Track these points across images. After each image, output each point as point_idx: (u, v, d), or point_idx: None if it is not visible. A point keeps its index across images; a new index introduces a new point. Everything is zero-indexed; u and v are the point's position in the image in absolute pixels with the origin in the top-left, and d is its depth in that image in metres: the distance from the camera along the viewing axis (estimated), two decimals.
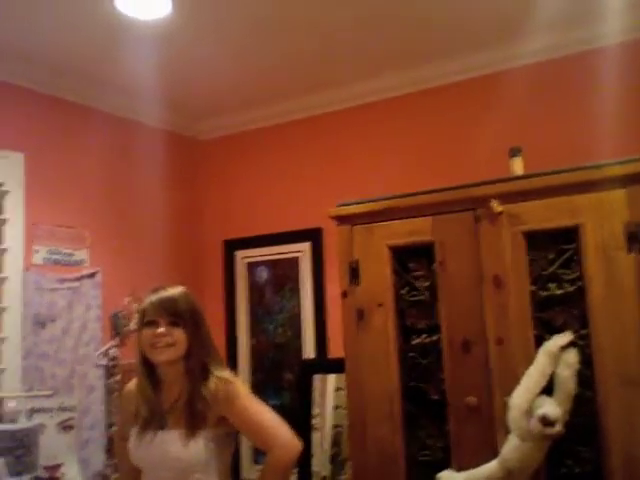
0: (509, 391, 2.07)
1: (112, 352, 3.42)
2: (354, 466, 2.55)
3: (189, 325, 1.85)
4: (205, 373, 1.84)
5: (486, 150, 3.16)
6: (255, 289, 4.00)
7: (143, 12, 2.71)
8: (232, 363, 3.86)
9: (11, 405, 2.75)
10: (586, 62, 3.05)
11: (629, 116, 2.90)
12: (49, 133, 3.37)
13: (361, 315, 2.52)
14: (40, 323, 3.16)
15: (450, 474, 2.16)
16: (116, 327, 3.51)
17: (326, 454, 3.36)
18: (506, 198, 2.28)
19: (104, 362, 3.39)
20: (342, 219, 2.61)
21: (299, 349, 3.77)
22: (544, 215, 2.22)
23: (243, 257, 4.05)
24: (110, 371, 3.40)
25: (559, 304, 2.20)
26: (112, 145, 3.69)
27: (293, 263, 3.85)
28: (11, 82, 3.21)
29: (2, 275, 3.07)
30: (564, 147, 2.99)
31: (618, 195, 2.12)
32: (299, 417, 3.34)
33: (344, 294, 2.57)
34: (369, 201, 2.58)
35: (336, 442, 3.35)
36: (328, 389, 3.45)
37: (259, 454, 3.53)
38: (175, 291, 1.89)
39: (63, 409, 3.04)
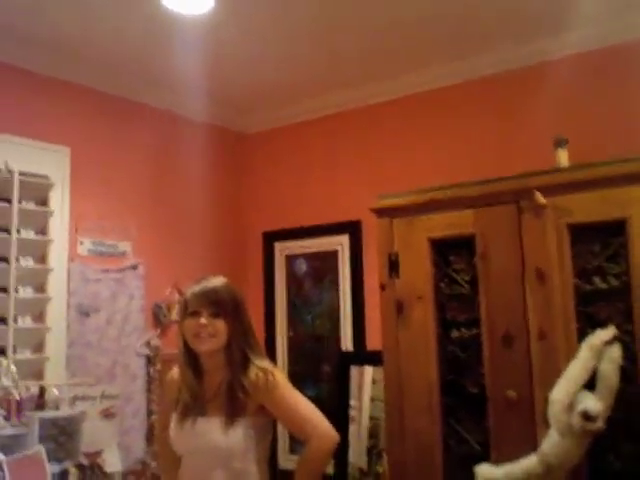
0: (550, 386, 2.05)
1: (154, 342, 3.49)
2: (391, 458, 2.56)
3: (230, 316, 1.86)
4: (246, 363, 1.85)
5: (530, 141, 3.11)
6: (293, 281, 4.02)
7: (187, 7, 2.79)
8: (270, 354, 3.89)
9: (55, 393, 2.80)
10: (633, 51, 2.97)
11: None
12: (95, 127, 3.44)
13: (400, 308, 2.51)
14: (84, 313, 3.24)
15: (488, 468, 2.14)
16: (158, 317, 3.58)
17: (363, 446, 3.37)
18: (551, 190, 2.24)
19: (146, 352, 3.46)
20: (382, 212, 2.61)
21: (337, 341, 3.78)
22: (590, 208, 2.18)
23: (281, 249, 4.07)
24: (151, 361, 3.46)
25: (603, 298, 2.16)
26: (158, 139, 3.74)
27: (332, 255, 3.86)
28: (59, 77, 3.28)
29: (48, 266, 3.15)
30: (610, 138, 2.92)
31: None
32: (336, 409, 3.36)
33: (382, 287, 2.57)
34: (410, 193, 2.56)
35: (373, 434, 3.35)
36: (365, 381, 3.45)
37: (296, 444, 3.56)
38: (217, 282, 1.90)
39: (105, 397, 3.09)
